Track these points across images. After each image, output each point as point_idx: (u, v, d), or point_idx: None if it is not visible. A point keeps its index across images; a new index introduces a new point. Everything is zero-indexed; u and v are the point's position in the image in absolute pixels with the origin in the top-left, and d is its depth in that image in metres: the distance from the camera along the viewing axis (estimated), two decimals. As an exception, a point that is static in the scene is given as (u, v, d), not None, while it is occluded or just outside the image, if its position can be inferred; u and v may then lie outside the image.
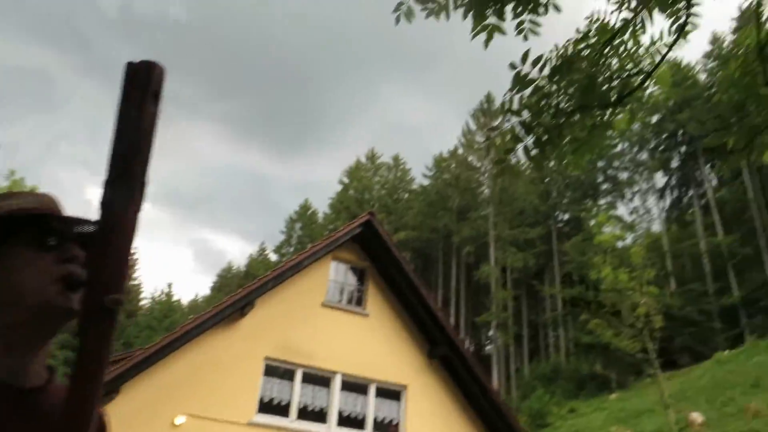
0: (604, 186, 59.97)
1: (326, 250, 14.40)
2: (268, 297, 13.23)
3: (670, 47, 3.52)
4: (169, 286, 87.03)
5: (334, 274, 14.87)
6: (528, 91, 3.16)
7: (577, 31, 4.02)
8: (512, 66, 3.04)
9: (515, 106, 3.15)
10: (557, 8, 3.23)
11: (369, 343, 14.29)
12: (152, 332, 54.27)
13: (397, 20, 3.20)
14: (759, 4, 3.81)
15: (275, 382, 13.05)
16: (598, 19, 3.91)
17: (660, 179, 57.85)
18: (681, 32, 3.50)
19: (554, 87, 3.20)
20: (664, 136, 55.36)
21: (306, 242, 64.75)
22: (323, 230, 63.28)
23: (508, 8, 3.14)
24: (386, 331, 14.70)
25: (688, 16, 3.44)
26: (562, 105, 3.23)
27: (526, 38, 3.22)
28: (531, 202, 57.92)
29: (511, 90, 3.07)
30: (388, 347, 14.49)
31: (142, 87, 0.77)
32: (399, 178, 73.69)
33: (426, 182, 67.77)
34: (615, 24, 3.74)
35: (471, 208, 59.40)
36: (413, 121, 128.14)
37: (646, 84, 3.46)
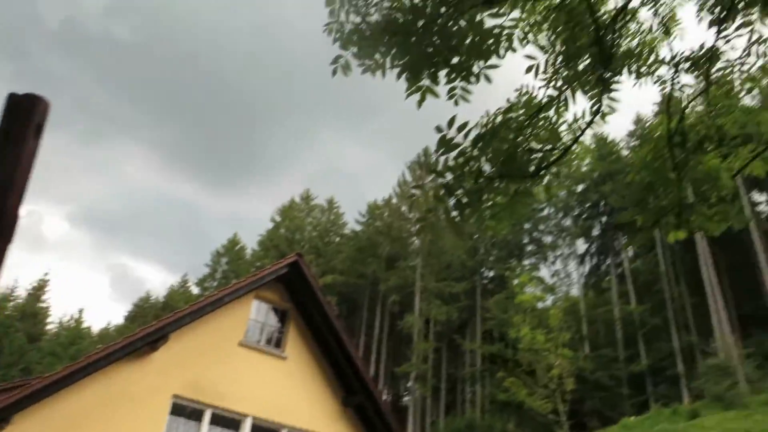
0: (529, 247, 61.96)
1: (249, 288, 14.10)
2: (183, 332, 12.75)
3: (587, 126, 3.75)
4: (80, 311, 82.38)
5: (255, 313, 14.53)
6: (453, 154, 3.27)
7: (508, 101, 4.23)
8: (438, 129, 3.15)
9: (440, 167, 3.25)
10: (488, 79, 3.39)
11: (284, 387, 13.94)
12: (56, 360, 51.03)
13: (334, 72, 3.27)
14: (670, 98, 4.14)
15: (181, 422, 12.47)
16: (527, 93, 4.12)
17: (581, 246, 60.34)
18: (597, 113, 3.73)
19: (478, 153, 3.33)
20: (587, 205, 58.11)
21: (231, 278, 63.16)
22: (250, 267, 62.02)
23: (442, 73, 3.28)
24: (303, 375, 14.40)
25: (602, 99, 3.68)
26: (484, 171, 3.36)
27: (456, 104, 3.37)
28: (459, 257, 58.89)
29: (436, 152, 3.17)
30: (304, 392, 14.18)
31: (24, 121, 0.74)
32: (332, 222, 73.57)
33: (358, 228, 67.93)
34: (542, 99, 3.97)
35: (400, 257, 59.78)
36: (351, 166, 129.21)
37: (563, 159, 3.65)
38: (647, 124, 52.83)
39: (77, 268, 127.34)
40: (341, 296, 59.47)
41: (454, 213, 3.23)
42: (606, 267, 57.92)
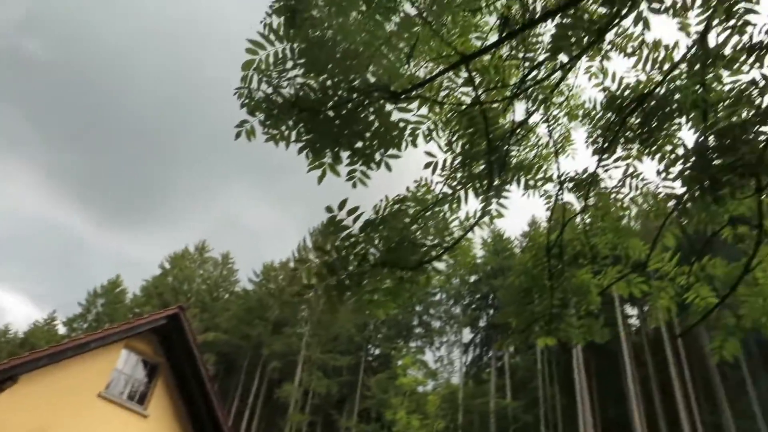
0: (418, 330, 62.59)
1: (121, 335, 13.27)
2: (37, 375, 11.67)
3: (472, 227, 3.97)
4: None
5: (122, 363, 13.63)
6: (342, 235, 3.34)
7: (408, 189, 4.40)
8: (329, 210, 3.22)
9: (328, 246, 3.30)
10: (388, 167, 3.53)
11: (139, 449, 12.95)
12: None
13: (237, 136, 3.30)
14: (552, 212, 4.49)
15: (14, 477, 11.19)
16: (425, 185, 4.32)
17: (467, 335, 61.69)
18: (485, 216, 3.97)
19: (365, 238, 3.41)
20: (477, 296, 59.92)
21: (104, 321, 59.08)
22: (128, 313, 58.47)
23: (345, 154, 3.39)
24: (163, 437, 13.47)
25: (491, 203, 3.93)
26: (369, 255, 3.44)
27: (354, 186, 3.47)
28: (347, 330, 58.41)
29: (324, 230, 3.23)
30: (159, 456, 13.22)
31: None
32: (224, 277, 71.35)
33: (250, 287, 66.21)
34: (438, 194, 4.17)
35: (288, 323, 58.50)
36: (255, 224, 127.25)
37: (448, 254, 3.81)
38: (540, 228, 56.02)
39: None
40: (220, 356, 57.01)
41: (334, 293, 3.27)
42: (488, 359, 59.30)
